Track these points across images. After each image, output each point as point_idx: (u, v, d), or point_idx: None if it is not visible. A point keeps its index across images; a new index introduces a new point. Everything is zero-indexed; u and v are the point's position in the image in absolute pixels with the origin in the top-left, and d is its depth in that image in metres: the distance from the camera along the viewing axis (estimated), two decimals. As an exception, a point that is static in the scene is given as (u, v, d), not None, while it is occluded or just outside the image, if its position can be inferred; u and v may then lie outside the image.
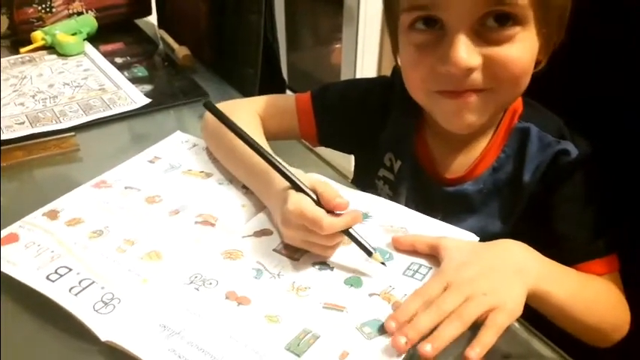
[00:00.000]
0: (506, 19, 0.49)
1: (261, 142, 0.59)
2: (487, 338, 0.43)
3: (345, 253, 0.51)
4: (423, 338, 0.42)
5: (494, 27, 0.49)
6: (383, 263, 0.49)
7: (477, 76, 0.50)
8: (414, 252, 0.51)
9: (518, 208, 0.59)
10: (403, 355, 0.42)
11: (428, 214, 0.58)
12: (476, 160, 0.60)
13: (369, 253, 0.49)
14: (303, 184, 0.50)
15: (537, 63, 0.54)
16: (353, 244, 0.50)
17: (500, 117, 0.60)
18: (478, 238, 0.52)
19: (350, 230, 0.49)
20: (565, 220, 0.57)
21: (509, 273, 0.48)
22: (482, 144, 0.60)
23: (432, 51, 0.51)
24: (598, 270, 0.55)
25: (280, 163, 0.51)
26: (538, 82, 0.54)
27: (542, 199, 0.58)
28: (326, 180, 0.53)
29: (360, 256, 0.50)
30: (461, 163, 0.61)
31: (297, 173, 0.51)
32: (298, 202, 0.48)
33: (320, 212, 0.47)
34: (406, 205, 0.62)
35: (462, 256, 0.48)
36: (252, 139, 0.54)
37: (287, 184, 0.51)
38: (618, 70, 0.60)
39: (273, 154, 0.53)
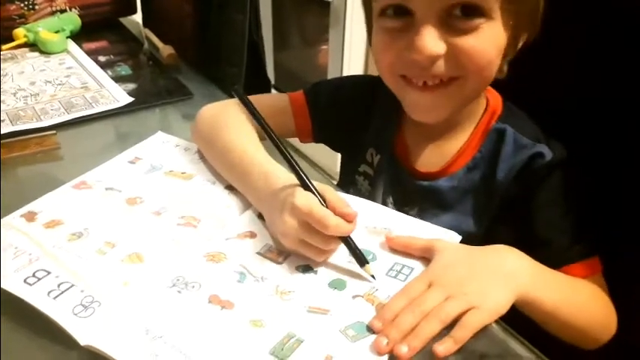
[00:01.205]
0: (472, 10, 0.50)
1: (257, 143, 0.60)
2: (460, 334, 0.43)
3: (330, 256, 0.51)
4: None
5: (460, 17, 0.50)
6: (373, 276, 0.49)
7: (440, 64, 0.51)
8: (404, 253, 0.52)
9: (491, 208, 0.60)
10: (386, 357, 0.42)
11: (403, 208, 0.60)
12: (452, 158, 0.61)
13: (362, 264, 0.49)
14: (313, 186, 0.50)
15: (505, 55, 0.54)
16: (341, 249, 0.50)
17: (479, 116, 0.61)
18: (460, 237, 0.53)
19: (348, 238, 0.49)
20: (543, 224, 0.58)
21: (496, 277, 0.48)
22: (459, 141, 0.61)
23: (401, 37, 0.52)
24: (579, 273, 0.56)
25: (297, 163, 0.51)
26: (516, 84, 0.55)
27: (518, 201, 0.59)
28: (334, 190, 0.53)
29: (343, 259, 0.50)
30: (436, 159, 0.62)
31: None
32: (308, 199, 0.48)
33: (328, 212, 0.48)
34: (383, 198, 0.64)
35: (452, 258, 0.49)
36: (276, 135, 0.54)
37: (292, 184, 0.51)
38: (595, 72, 0.61)
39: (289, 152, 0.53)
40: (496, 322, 0.46)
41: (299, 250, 0.50)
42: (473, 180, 0.60)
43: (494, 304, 0.46)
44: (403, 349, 0.42)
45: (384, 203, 0.64)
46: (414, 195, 0.62)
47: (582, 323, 0.52)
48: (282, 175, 0.54)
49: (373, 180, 0.66)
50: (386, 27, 0.53)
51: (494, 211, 0.59)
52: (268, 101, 0.69)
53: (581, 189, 0.58)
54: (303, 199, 0.49)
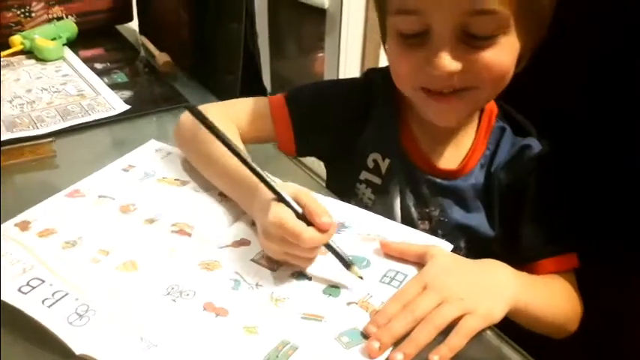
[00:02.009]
0: (489, 23, 0.50)
1: (241, 151, 0.58)
2: (455, 342, 0.44)
3: (323, 263, 0.51)
4: (401, 341, 0.43)
5: (476, 33, 0.51)
6: (360, 277, 0.49)
7: (458, 78, 0.53)
8: (398, 259, 0.52)
9: (495, 201, 0.61)
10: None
11: (425, 210, 0.61)
12: (467, 156, 0.62)
13: (348, 266, 0.49)
14: (287, 195, 0.49)
15: (518, 62, 0.56)
16: (330, 254, 0.50)
17: (479, 115, 0.63)
18: (452, 247, 0.54)
19: (329, 242, 0.49)
20: (524, 217, 0.60)
21: (489, 287, 0.50)
22: (467, 140, 0.63)
23: (418, 48, 0.53)
24: (551, 268, 0.59)
25: (264, 173, 0.51)
26: (525, 85, 0.56)
27: (508, 192, 0.61)
28: (308, 190, 0.53)
29: (337, 265, 0.50)
30: (452, 158, 0.63)
31: (281, 184, 0.51)
32: (278, 213, 0.48)
33: (300, 225, 0.47)
34: (402, 204, 0.63)
35: (446, 263, 0.50)
36: (237, 147, 0.53)
37: (270, 194, 0.50)
38: (607, 72, 0.62)
39: (255, 165, 0.52)
40: (490, 328, 0.47)
41: (287, 261, 0.50)
42: (482, 177, 0.62)
43: (488, 310, 0.47)
44: (398, 357, 0.42)
45: (405, 207, 0.63)
46: (435, 195, 0.63)
47: (559, 320, 0.56)
48: (260, 185, 0.52)
49: (382, 187, 0.65)
50: (401, 36, 0.54)
51: (497, 206, 0.61)
52: (248, 106, 0.67)
53: (564, 185, 0.61)
54: (275, 215, 0.47)
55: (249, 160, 0.52)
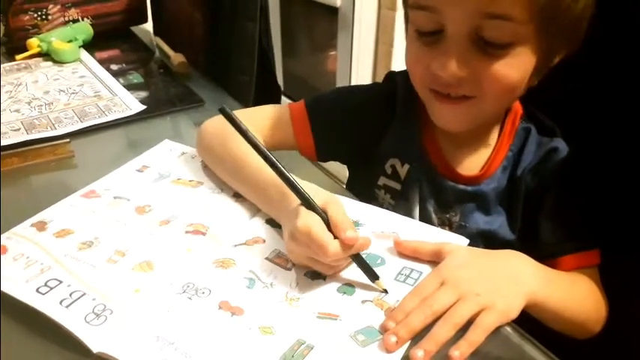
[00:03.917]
0: (503, 30, 0.49)
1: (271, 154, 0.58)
2: (474, 337, 0.44)
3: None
4: (417, 335, 0.43)
5: (489, 41, 0.50)
6: (385, 291, 0.49)
7: (464, 84, 0.52)
8: (412, 257, 0.52)
9: (518, 204, 0.61)
10: (400, 358, 0.42)
11: (445, 215, 0.61)
12: (489, 159, 0.61)
13: (374, 279, 0.49)
14: (315, 204, 0.48)
15: (536, 75, 0.54)
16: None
17: (503, 116, 0.62)
18: (468, 241, 0.53)
19: (358, 255, 0.49)
20: (546, 214, 0.59)
21: (507, 280, 0.49)
22: (490, 143, 0.62)
23: (432, 47, 0.53)
24: (573, 265, 0.58)
25: (294, 180, 0.50)
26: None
27: (534, 195, 0.60)
28: (340, 199, 0.51)
29: (351, 264, 0.50)
30: (474, 162, 0.62)
31: (311, 189, 0.50)
32: (307, 222, 0.47)
33: (327, 238, 0.46)
34: (421, 209, 0.63)
35: (462, 259, 0.49)
36: (268, 152, 0.50)
37: (300, 203, 0.49)
38: (608, 71, 0.61)
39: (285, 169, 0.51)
40: (510, 326, 0.46)
41: (309, 266, 0.50)
42: (505, 179, 0.61)
43: (506, 305, 0.46)
44: (419, 353, 0.42)
45: (425, 213, 0.63)
46: (456, 200, 0.62)
47: (581, 318, 0.55)
48: (290, 192, 0.51)
49: (403, 192, 0.64)
50: (418, 33, 0.54)
51: (521, 209, 0.61)
52: (270, 114, 0.67)
53: (588, 183, 0.59)
54: (304, 223, 0.47)
55: (279, 164, 0.50)
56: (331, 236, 0.47)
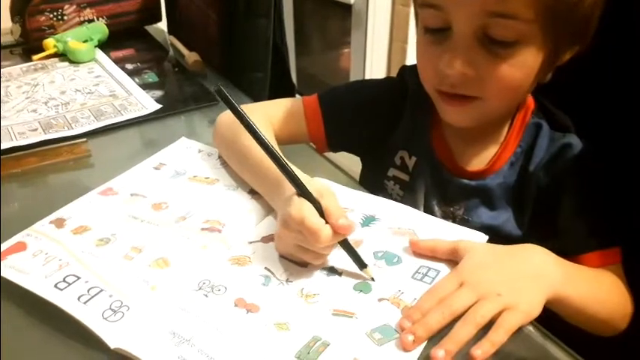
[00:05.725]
0: (510, 30, 0.49)
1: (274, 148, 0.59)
2: (497, 337, 0.43)
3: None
4: (435, 336, 0.43)
5: (495, 40, 0.50)
6: (372, 279, 0.49)
7: (469, 84, 0.52)
8: (431, 257, 0.51)
9: (528, 203, 0.60)
10: (417, 357, 0.42)
11: (449, 209, 0.60)
12: (496, 154, 0.61)
13: (362, 266, 0.49)
14: (309, 192, 0.49)
15: (544, 73, 0.54)
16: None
17: (513, 112, 0.61)
18: (487, 238, 0.53)
19: (345, 241, 0.49)
20: (566, 212, 0.58)
21: (527, 277, 0.48)
22: (499, 138, 0.62)
23: (440, 45, 0.53)
24: (597, 262, 0.56)
25: (289, 167, 0.50)
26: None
27: (548, 191, 0.59)
28: (333, 186, 0.52)
29: (368, 261, 0.50)
30: (481, 157, 0.62)
31: (304, 179, 0.51)
32: (300, 208, 0.47)
33: (320, 224, 0.46)
34: (426, 202, 0.63)
35: (481, 258, 0.49)
36: (264, 137, 0.51)
37: (295, 191, 0.50)
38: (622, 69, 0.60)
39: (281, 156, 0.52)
40: (533, 325, 0.46)
41: (294, 255, 0.50)
42: (515, 174, 0.61)
43: (528, 305, 0.46)
44: (439, 353, 0.41)
45: (429, 205, 0.63)
46: (461, 195, 0.62)
47: (604, 314, 0.53)
48: (287, 181, 0.52)
49: (410, 184, 0.65)
50: (427, 30, 0.54)
51: (531, 205, 0.60)
52: (284, 106, 0.68)
53: (607, 180, 0.58)
54: (297, 209, 0.47)
55: (275, 150, 0.50)
56: (324, 222, 0.47)
